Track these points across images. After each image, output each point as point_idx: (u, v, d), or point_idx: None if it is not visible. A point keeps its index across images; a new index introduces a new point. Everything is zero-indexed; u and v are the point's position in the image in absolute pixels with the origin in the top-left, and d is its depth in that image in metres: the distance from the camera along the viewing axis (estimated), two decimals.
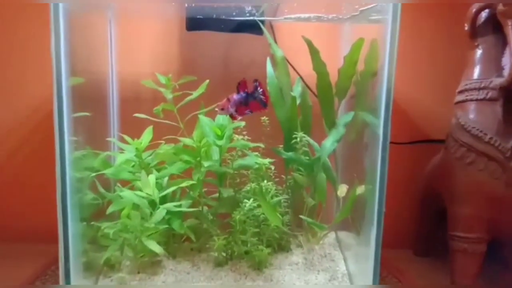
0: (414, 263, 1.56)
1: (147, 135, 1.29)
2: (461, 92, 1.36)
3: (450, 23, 1.54)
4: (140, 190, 1.17)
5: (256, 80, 1.19)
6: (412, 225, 1.63)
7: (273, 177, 1.39)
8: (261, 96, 1.19)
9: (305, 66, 1.45)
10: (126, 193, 1.13)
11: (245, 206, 1.23)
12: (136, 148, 1.24)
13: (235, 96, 1.18)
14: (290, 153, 1.29)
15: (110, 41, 1.48)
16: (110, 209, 1.19)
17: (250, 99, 1.18)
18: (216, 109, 1.18)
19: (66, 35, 1.02)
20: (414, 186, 1.61)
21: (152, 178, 1.15)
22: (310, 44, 1.25)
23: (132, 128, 1.42)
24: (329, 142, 1.25)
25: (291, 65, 1.45)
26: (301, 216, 1.26)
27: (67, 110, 1.04)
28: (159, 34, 1.58)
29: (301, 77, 1.46)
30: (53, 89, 1.03)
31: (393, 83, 1.05)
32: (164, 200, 1.28)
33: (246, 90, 1.18)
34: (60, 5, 0.99)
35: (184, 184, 1.22)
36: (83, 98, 1.39)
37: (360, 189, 1.23)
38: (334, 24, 1.48)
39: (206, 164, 1.23)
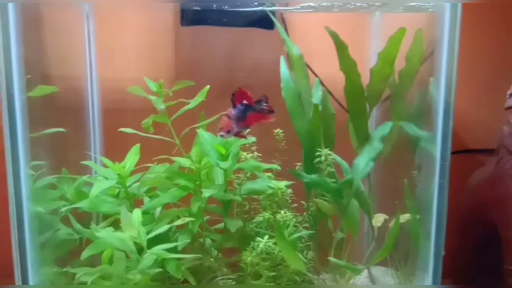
0: None
1: (132, 156, 1.03)
2: None
3: (496, 21, 1.36)
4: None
5: (264, 97, 0.93)
6: (452, 251, 1.37)
7: (289, 201, 1.13)
8: (264, 106, 0.93)
9: (323, 66, 1.20)
10: (105, 233, 0.87)
11: (258, 245, 0.96)
12: (119, 174, 0.98)
13: (233, 111, 0.91)
14: (313, 176, 1.03)
15: (87, 40, 1.24)
16: (85, 254, 0.92)
17: (249, 112, 0.92)
18: (219, 134, 0.91)
19: (19, 34, 0.78)
20: (453, 206, 1.36)
21: (137, 214, 0.88)
22: (336, 38, 0.99)
23: (117, 145, 1.18)
24: (363, 162, 0.99)
25: (307, 65, 1.19)
26: (331, 259, 0.99)
27: (22, 127, 0.80)
28: (149, 31, 1.35)
29: (320, 80, 1.20)
30: (2, 104, 0.78)
31: (454, 87, 0.79)
32: (157, 235, 1.02)
33: (244, 101, 0.91)
34: None
35: (179, 222, 0.96)
36: (56, 111, 1.14)
37: (403, 218, 0.98)
38: (360, 13, 1.23)
39: (207, 193, 0.97)
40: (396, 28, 1.02)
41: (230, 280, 1.13)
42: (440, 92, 0.82)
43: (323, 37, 1.32)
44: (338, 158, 1.04)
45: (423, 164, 0.98)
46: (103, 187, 0.94)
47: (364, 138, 1.04)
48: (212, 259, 1.13)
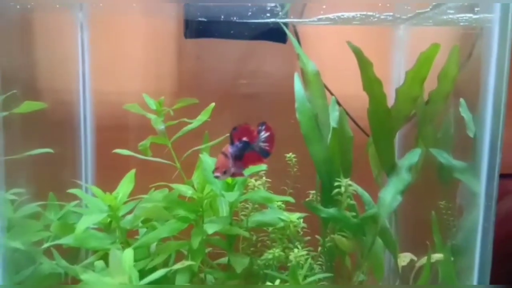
0: None
1: (126, 185, 0.91)
2: None
3: None
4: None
5: (263, 124, 0.81)
6: None
7: (301, 233, 1.01)
8: (262, 144, 0.80)
9: (338, 85, 1.09)
10: (90, 277, 0.75)
11: None
12: (110, 206, 0.86)
13: (230, 149, 0.79)
14: (331, 210, 0.90)
15: (81, 50, 1.13)
16: None
17: (247, 150, 0.80)
18: (214, 175, 0.79)
19: None
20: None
21: (128, 255, 0.76)
22: (359, 54, 0.88)
23: (111, 167, 1.07)
24: (390, 194, 0.87)
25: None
26: None
27: None
28: (149, 42, 1.24)
29: (336, 99, 1.08)
30: None
31: (503, 115, 0.68)
32: (152, 271, 0.90)
33: (244, 138, 0.79)
34: None
35: (177, 266, 0.83)
36: (43, 127, 1.03)
37: (436, 258, 0.85)
38: (382, 27, 1.12)
39: (210, 229, 0.84)
40: (424, 43, 0.92)
41: None
42: (486, 121, 0.70)
43: (338, 52, 1.22)
44: (360, 189, 0.92)
45: (461, 200, 0.86)
46: (92, 222, 0.82)
47: (390, 167, 0.92)
48: None
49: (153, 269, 0.94)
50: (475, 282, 0.72)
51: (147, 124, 1.05)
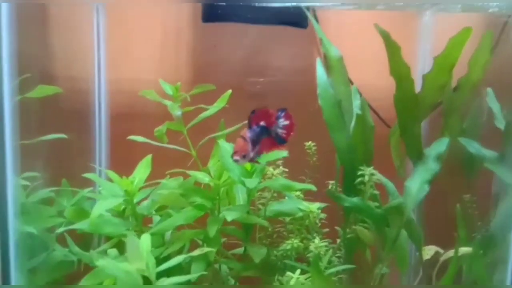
0: None
1: (142, 169, 0.89)
2: None
3: None
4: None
5: (283, 110, 0.78)
6: None
7: (319, 225, 0.98)
8: (280, 130, 0.77)
9: (358, 74, 1.05)
10: (106, 263, 0.72)
11: (288, 281, 0.80)
12: (126, 191, 0.83)
13: (248, 133, 0.76)
14: (354, 199, 0.87)
15: (96, 37, 1.11)
16: (84, 283, 0.78)
17: (264, 136, 0.77)
18: (234, 158, 0.76)
19: (13, 30, 0.66)
20: None
21: (145, 241, 0.73)
22: (387, 38, 0.85)
23: (125, 154, 1.05)
24: (416, 184, 0.83)
25: None
26: None
27: (12, 132, 0.67)
28: (165, 28, 1.21)
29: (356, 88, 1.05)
30: None
31: None
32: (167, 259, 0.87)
33: (262, 122, 0.76)
34: None
35: (196, 253, 0.81)
36: (58, 114, 1.02)
37: (463, 252, 0.82)
38: (407, 12, 1.09)
39: (229, 216, 0.82)
40: (450, 30, 0.88)
41: None
42: None
43: (359, 40, 1.18)
44: (384, 179, 0.88)
45: (495, 189, 0.82)
46: (107, 206, 0.80)
47: (417, 156, 0.88)
48: None
49: (168, 258, 0.92)
50: (509, 277, 0.68)
51: (162, 112, 1.03)
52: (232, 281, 1.01)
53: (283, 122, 0.77)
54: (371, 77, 1.11)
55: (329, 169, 1.02)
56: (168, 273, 0.82)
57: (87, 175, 0.88)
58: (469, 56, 0.89)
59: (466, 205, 0.99)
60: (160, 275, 0.78)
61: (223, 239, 1.03)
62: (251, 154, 0.77)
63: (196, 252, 0.81)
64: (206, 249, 0.82)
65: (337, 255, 0.99)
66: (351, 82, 1.08)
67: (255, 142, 0.77)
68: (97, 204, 0.79)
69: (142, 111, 1.20)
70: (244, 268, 0.98)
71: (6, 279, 0.73)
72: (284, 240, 0.96)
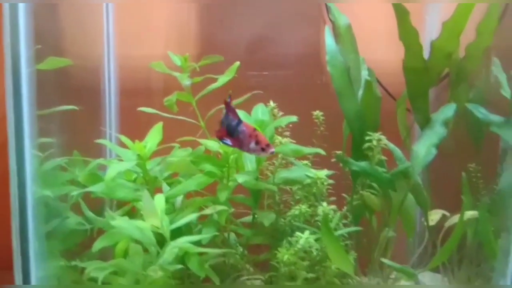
0: None
1: (154, 135, 0.91)
2: None
3: None
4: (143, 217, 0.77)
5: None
6: None
7: (326, 194, 1.00)
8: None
9: (365, 48, 1.06)
10: (121, 222, 0.74)
11: (297, 241, 0.82)
12: (138, 155, 0.85)
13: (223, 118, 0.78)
14: (362, 164, 0.89)
15: (106, 14, 1.11)
16: (97, 245, 0.80)
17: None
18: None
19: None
20: None
21: (160, 200, 0.75)
22: (396, 4, 0.85)
23: (135, 128, 1.06)
24: (423, 148, 0.85)
25: None
26: (384, 260, 0.85)
27: (29, 101, 0.68)
28: (173, 5, 1.22)
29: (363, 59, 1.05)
30: (5, 74, 0.67)
31: None
32: (178, 227, 0.90)
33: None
34: None
35: (208, 211, 0.83)
36: (69, 87, 1.03)
37: (468, 216, 0.83)
38: None
39: (240, 179, 0.84)
40: None
41: (258, 281, 0.99)
42: None
43: (366, 14, 1.18)
44: (391, 145, 0.90)
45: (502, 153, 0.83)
46: (121, 168, 0.82)
47: (424, 121, 0.90)
48: (237, 256, 1.00)
49: (179, 227, 0.94)
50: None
51: (171, 88, 1.04)
52: (241, 249, 1.04)
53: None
54: (379, 52, 1.12)
55: (335, 141, 1.04)
56: (177, 236, 0.84)
57: (100, 140, 0.89)
58: (477, 23, 0.89)
59: (472, 172, 1.00)
60: (172, 236, 0.80)
61: (232, 209, 1.06)
62: (229, 142, 0.78)
63: (209, 211, 0.82)
64: (219, 207, 0.84)
65: (344, 222, 1.01)
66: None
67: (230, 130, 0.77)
68: (111, 167, 0.81)
69: (152, 85, 1.22)
70: (253, 234, 1.00)
71: (24, 244, 0.75)
72: (292, 208, 0.99)
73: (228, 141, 0.78)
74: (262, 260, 1.00)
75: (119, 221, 0.75)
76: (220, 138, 0.79)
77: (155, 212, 0.72)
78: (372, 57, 1.08)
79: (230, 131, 0.78)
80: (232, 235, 1.05)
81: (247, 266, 1.00)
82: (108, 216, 0.79)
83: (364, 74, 0.98)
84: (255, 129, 0.78)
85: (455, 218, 0.92)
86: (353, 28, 0.97)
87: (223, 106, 0.87)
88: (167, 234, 0.74)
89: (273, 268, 0.92)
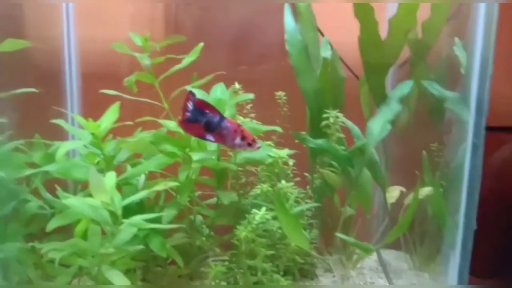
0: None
1: (110, 114, 0.89)
2: None
3: None
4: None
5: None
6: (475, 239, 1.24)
7: (291, 175, 1.00)
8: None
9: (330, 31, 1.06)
10: (73, 200, 0.74)
11: (254, 218, 0.83)
12: (93, 134, 0.84)
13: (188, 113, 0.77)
14: (319, 141, 0.89)
15: None
16: (51, 224, 0.79)
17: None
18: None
19: None
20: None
21: (110, 177, 0.75)
22: None
23: (99, 111, 1.03)
24: (378, 124, 0.85)
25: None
26: (339, 235, 0.86)
27: None
28: None
29: (328, 40, 1.05)
30: None
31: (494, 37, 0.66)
32: (140, 209, 0.89)
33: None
34: None
35: (160, 187, 0.82)
36: (28, 70, 1.01)
37: (423, 193, 0.84)
38: None
39: (195, 156, 0.83)
40: None
41: (224, 262, 1.00)
42: (475, 46, 0.68)
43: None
44: (349, 122, 0.90)
45: (451, 128, 0.84)
46: (71, 147, 0.81)
47: (381, 99, 0.90)
48: (203, 238, 1.01)
49: (141, 205, 0.94)
50: (463, 204, 0.71)
51: (138, 70, 1.02)
52: (207, 231, 1.04)
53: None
54: (344, 35, 1.12)
55: (301, 121, 1.04)
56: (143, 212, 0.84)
57: (55, 121, 0.88)
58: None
59: (434, 151, 1.02)
60: (135, 211, 0.79)
61: (199, 192, 1.06)
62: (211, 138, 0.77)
63: (160, 187, 0.82)
64: (170, 183, 0.83)
65: (307, 201, 1.02)
66: (322, 34, 1.09)
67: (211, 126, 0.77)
68: (62, 145, 0.80)
69: (117, 69, 1.20)
70: (217, 215, 1.00)
71: None
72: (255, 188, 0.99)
73: (211, 138, 0.78)
74: (227, 240, 1.01)
75: (71, 200, 0.74)
76: (200, 136, 0.78)
77: (102, 187, 0.71)
78: (340, 39, 1.08)
79: (211, 127, 0.77)
80: (199, 218, 1.05)
81: (212, 247, 1.00)
82: (61, 196, 0.78)
83: (327, 54, 0.98)
84: (239, 125, 0.78)
85: (429, 192, 0.93)
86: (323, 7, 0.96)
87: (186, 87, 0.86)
88: (118, 212, 0.73)
89: (236, 246, 0.92)
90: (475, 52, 0.72)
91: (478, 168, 0.68)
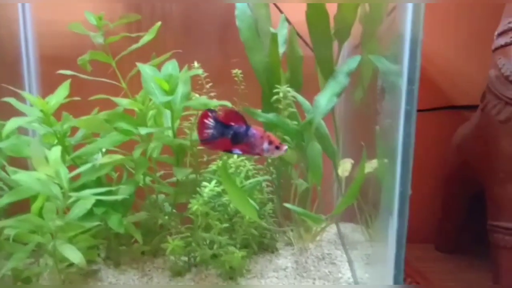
0: (437, 261, 1.22)
1: (60, 92, 0.90)
2: (502, 33, 1.02)
3: None
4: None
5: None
6: (435, 213, 1.28)
7: None
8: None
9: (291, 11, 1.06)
10: (21, 176, 0.74)
11: (204, 191, 0.84)
12: (42, 111, 0.84)
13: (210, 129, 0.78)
14: (270, 115, 0.90)
15: None
16: (2, 201, 0.80)
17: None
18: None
19: None
20: (437, 164, 1.27)
21: (54, 152, 0.75)
22: None
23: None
24: (325, 98, 0.87)
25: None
26: (287, 205, 0.88)
27: None
28: None
29: (286, 16, 1.06)
30: None
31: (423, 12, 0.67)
32: (98, 187, 0.90)
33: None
34: None
35: (105, 160, 0.83)
36: None
37: (371, 165, 0.86)
38: None
39: (142, 130, 0.84)
40: None
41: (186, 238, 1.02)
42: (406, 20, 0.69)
43: None
44: (300, 97, 0.92)
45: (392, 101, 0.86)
46: (20, 123, 0.81)
47: (329, 73, 0.91)
48: (165, 216, 1.02)
49: (98, 183, 0.95)
50: (398, 170, 0.72)
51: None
52: (170, 208, 1.05)
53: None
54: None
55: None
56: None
57: (6, 99, 0.88)
58: None
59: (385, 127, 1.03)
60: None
61: (162, 171, 1.07)
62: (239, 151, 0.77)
63: (105, 160, 0.83)
64: (114, 156, 0.84)
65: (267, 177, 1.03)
66: (281, 11, 1.09)
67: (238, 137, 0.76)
68: (9, 122, 0.80)
69: (76, 52, 1.19)
70: (177, 192, 1.02)
71: None
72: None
73: (238, 151, 0.77)
74: (185, 216, 1.02)
75: (19, 175, 0.75)
76: (230, 151, 0.77)
77: (44, 160, 0.72)
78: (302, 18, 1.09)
79: (238, 138, 0.77)
80: (162, 196, 1.07)
81: (175, 224, 1.02)
82: (10, 171, 0.78)
83: (283, 33, 0.98)
84: (264, 131, 0.78)
85: (367, 167, 0.95)
86: None
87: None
88: (65, 185, 0.74)
89: (192, 221, 0.94)
90: (407, 17, 0.72)
91: (411, 135, 0.69)
